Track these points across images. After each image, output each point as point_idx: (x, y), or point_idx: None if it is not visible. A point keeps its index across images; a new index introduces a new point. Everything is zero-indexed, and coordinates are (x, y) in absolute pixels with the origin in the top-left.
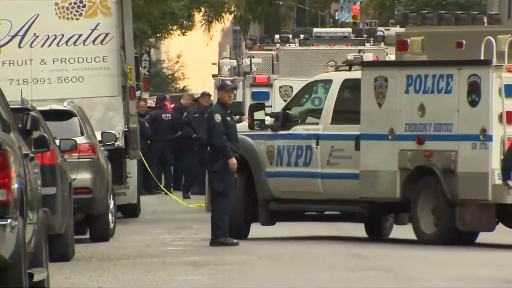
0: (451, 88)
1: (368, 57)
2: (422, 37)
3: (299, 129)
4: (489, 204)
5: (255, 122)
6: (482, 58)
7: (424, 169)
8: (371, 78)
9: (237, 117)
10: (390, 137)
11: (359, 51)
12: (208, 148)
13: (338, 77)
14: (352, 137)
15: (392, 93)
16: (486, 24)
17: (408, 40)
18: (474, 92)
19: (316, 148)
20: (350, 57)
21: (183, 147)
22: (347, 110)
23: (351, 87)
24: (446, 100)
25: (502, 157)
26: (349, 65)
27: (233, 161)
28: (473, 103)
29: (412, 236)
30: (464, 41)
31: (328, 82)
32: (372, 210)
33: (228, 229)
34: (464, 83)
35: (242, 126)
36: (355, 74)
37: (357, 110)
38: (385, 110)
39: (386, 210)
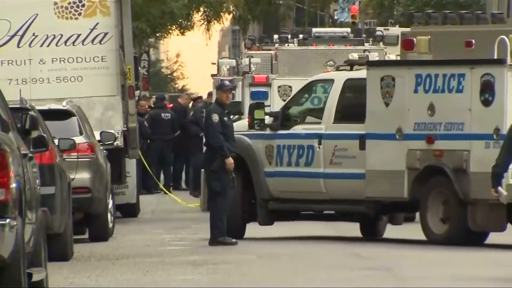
0: (462, 88)
1: (374, 56)
2: (429, 37)
3: (300, 129)
4: (501, 204)
5: (255, 121)
6: (495, 57)
7: (434, 168)
8: (377, 77)
9: (236, 116)
10: (397, 136)
11: (364, 50)
12: (205, 147)
13: (340, 77)
14: (356, 137)
15: (400, 93)
16: (490, 23)
17: (414, 39)
18: (488, 91)
19: (319, 147)
20: (351, 56)
21: (189, 146)
22: (350, 110)
23: (353, 87)
24: (458, 100)
25: (494, 163)
26: (350, 64)
27: (230, 160)
28: (486, 103)
29: (408, 236)
30: (473, 40)
31: (329, 82)
32: (378, 210)
33: (226, 229)
34: (477, 82)
35: (240, 126)
36: (357, 73)
37: (360, 110)
38: (392, 109)
39: (392, 209)
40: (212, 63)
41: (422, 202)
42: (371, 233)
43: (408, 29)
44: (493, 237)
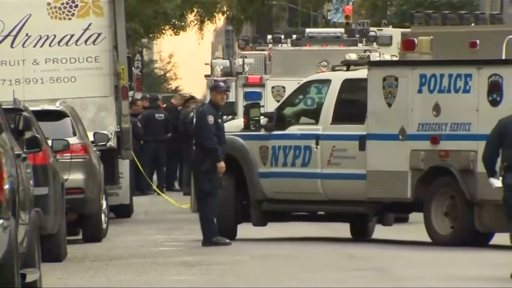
0: (469, 88)
1: (375, 56)
2: (432, 37)
3: (296, 129)
4: None
5: (251, 122)
6: (503, 57)
7: (439, 169)
8: (379, 77)
9: (230, 117)
10: (400, 137)
11: (365, 50)
12: (194, 148)
13: (337, 77)
14: (355, 137)
15: (403, 93)
16: (488, 24)
17: (415, 39)
18: (496, 91)
19: (316, 148)
20: (348, 56)
21: (187, 145)
22: (348, 110)
23: (352, 87)
24: (464, 100)
25: (483, 155)
26: (347, 65)
27: (222, 164)
28: (494, 103)
29: (400, 236)
30: (478, 41)
31: (325, 82)
32: (380, 211)
33: (219, 230)
34: (484, 82)
35: (233, 126)
36: (355, 73)
37: (359, 110)
38: (395, 109)
39: (394, 210)
40: (206, 64)
41: (427, 202)
42: (360, 234)
43: (408, 30)
44: (495, 238)
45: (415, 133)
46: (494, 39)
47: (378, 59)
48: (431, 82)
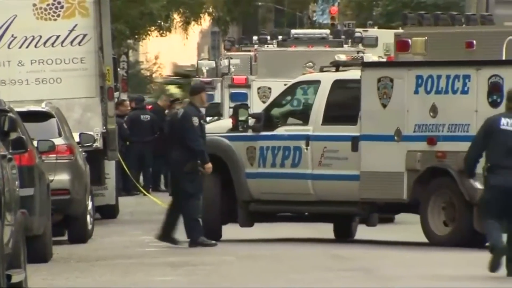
0: (468, 89)
1: (368, 57)
2: (426, 37)
3: (284, 130)
4: None
5: (240, 123)
6: (503, 58)
7: (437, 170)
8: (373, 78)
9: (216, 118)
10: (396, 138)
11: (358, 51)
12: (177, 149)
13: (327, 78)
14: (348, 138)
15: (399, 94)
16: (479, 25)
17: (409, 40)
18: (496, 92)
19: (306, 149)
20: (338, 57)
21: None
22: (339, 111)
23: (342, 88)
24: (463, 101)
25: (465, 156)
26: (336, 65)
27: (210, 165)
28: (495, 104)
29: (384, 237)
30: (474, 41)
31: (314, 83)
32: (373, 211)
33: (205, 231)
34: (484, 83)
35: (218, 127)
36: (346, 74)
37: (350, 111)
38: (390, 110)
39: (387, 211)
40: (172, 63)
41: (423, 203)
42: (344, 235)
43: (400, 30)
44: None
45: (411, 134)
46: (489, 40)
47: (371, 60)
48: (427, 83)
